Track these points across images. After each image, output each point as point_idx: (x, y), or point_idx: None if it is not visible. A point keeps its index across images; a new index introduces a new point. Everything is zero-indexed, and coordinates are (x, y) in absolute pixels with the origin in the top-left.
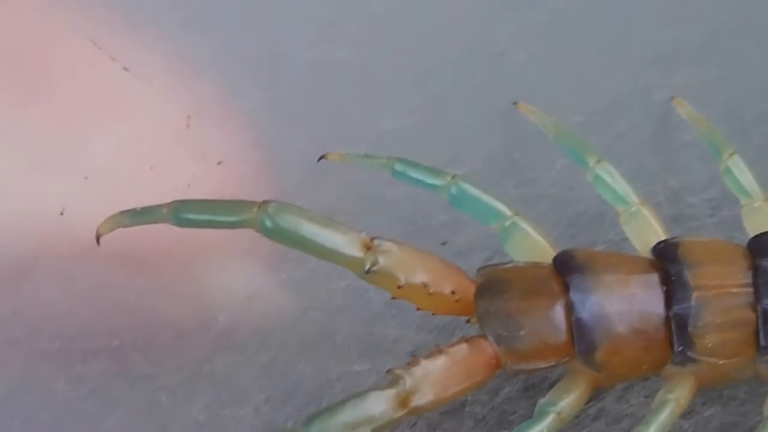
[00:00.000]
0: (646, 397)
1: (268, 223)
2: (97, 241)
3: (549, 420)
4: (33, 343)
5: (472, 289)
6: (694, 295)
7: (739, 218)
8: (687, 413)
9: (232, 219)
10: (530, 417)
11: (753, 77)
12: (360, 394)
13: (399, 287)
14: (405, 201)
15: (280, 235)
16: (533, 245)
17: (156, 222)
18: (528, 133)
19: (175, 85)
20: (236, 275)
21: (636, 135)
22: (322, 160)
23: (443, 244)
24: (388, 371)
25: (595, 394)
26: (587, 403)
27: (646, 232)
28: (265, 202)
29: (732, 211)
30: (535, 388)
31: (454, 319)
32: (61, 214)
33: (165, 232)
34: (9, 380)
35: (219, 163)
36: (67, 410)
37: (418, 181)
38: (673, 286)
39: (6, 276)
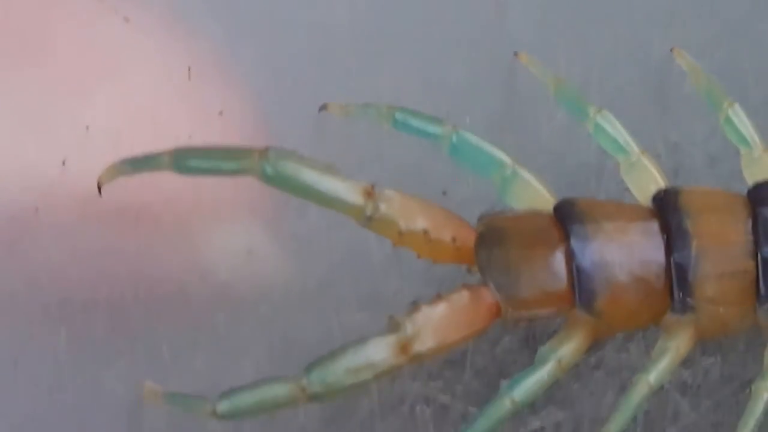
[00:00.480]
0: (646, 347)
1: (268, 170)
2: (99, 191)
3: (549, 367)
4: (33, 295)
5: (472, 237)
6: (694, 243)
7: (739, 171)
8: (686, 363)
9: (233, 166)
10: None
11: (752, 33)
12: (361, 341)
13: (400, 234)
14: (405, 153)
15: (281, 182)
16: (534, 195)
17: (158, 169)
18: (527, 86)
19: (176, 37)
20: (236, 229)
21: (635, 88)
22: (322, 112)
23: (443, 194)
24: (390, 317)
25: (595, 344)
26: (587, 353)
27: (647, 181)
28: (266, 149)
29: (731, 164)
30: (536, 339)
31: (454, 271)
32: (63, 165)
33: (166, 185)
34: (10, 333)
35: (220, 113)
36: (68, 362)
37: (418, 130)
38: (673, 235)
39: (6, 228)
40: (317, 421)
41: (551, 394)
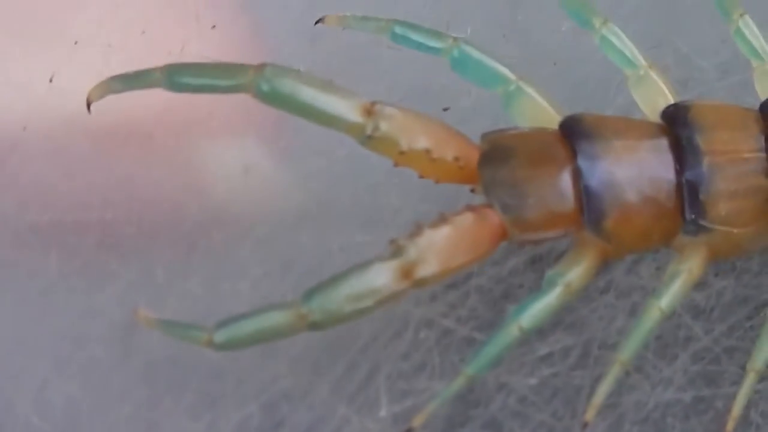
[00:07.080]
0: (657, 269)
1: (264, 87)
2: (88, 108)
3: (558, 291)
4: (23, 216)
5: (476, 155)
6: (706, 160)
7: (750, 83)
8: (699, 285)
9: (227, 83)
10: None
11: None
12: (362, 266)
13: (401, 153)
14: (404, 66)
15: (277, 100)
16: (538, 110)
17: (149, 87)
18: None
19: None
20: (232, 146)
21: None
22: (318, 24)
23: (445, 110)
24: (391, 241)
25: (604, 266)
26: (596, 276)
27: (655, 95)
28: (262, 65)
29: (742, 75)
30: (542, 261)
31: (457, 188)
32: (50, 81)
33: (157, 100)
34: None
35: (213, 27)
36: (59, 284)
37: (418, 44)
38: (684, 152)
39: None
40: (317, 348)
41: (559, 318)
